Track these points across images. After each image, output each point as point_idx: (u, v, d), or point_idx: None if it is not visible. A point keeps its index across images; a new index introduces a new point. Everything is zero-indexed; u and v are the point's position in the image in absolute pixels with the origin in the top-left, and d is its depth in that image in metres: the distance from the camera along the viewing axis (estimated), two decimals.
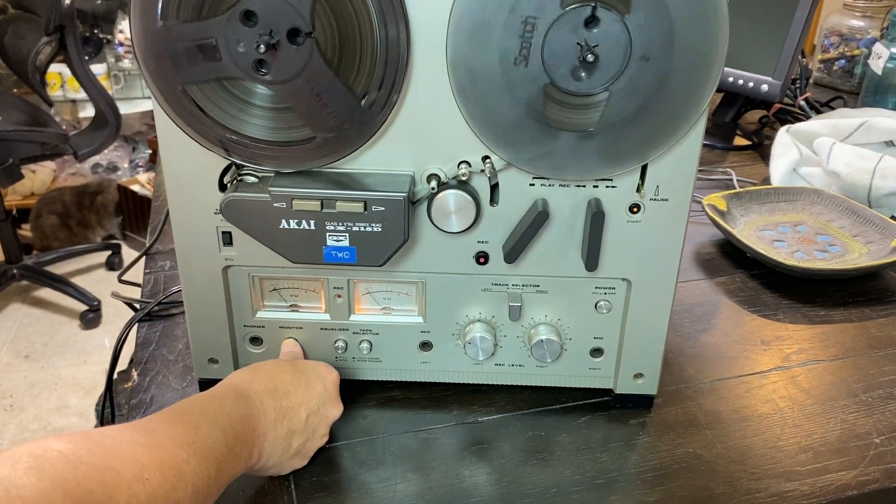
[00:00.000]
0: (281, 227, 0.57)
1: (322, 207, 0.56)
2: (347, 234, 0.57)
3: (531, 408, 0.69)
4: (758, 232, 0.99)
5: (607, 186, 0.59)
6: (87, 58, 2.44)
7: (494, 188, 0.60)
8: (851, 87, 1.61)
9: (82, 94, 2.45)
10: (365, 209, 0.56)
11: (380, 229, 0.57)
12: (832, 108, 1.41)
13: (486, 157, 0.58)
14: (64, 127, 2.40)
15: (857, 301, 0.88)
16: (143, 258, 0.92)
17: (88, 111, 2.69)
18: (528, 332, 0.66)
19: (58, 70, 3.02)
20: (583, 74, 0.52)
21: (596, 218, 0.58)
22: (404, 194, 0.56)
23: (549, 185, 0.59)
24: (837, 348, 0.79)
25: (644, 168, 0.58)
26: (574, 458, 0.64)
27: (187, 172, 0.59)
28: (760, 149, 1.32)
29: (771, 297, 0.89)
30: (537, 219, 0.59)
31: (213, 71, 0.53)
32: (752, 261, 0.95)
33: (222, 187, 0.59)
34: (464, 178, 0.58)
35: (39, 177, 2.90)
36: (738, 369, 0.76)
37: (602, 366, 0.68)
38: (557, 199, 0.60)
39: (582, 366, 0.68)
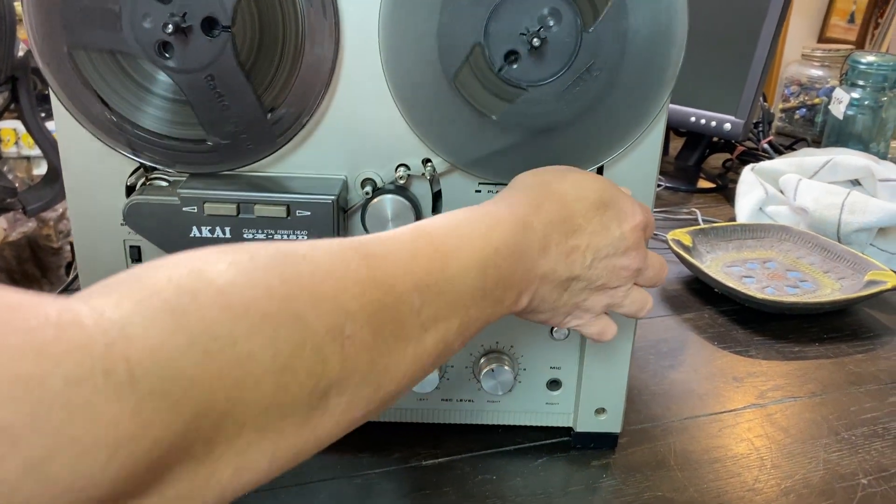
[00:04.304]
0: (192, 235, 0.50)
1: (238, 212, 0.49)
2: None
3: (482, 449, 0.62)
4: (725, 268, 0.94)
5: None
6: (43, 115, 2.39)
7: (437, 195, 0.54)
8: (813, 135, 1.60)
9: (37, 151, 2.38)
10: (288, 214, 0.50)
11: (306, 237, 0.51)
12: (795, 150, 1.39)
13: (426, 160, 0.52)
14: (17, 184, 2.32)
15: (832, 337, 0.83)
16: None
17: (43, 168, 2.61)
18: (478, 361, 0.59)
19: (12, 126, 2.96)
20: (527, 63, 0.47)
21: None
22: (333, 197, 0.50)
23: (497, 191, 0.53)
24: (814, 385, 0.73)
25: (600, 172, 0.53)
26: None
27: (89, 177, 0.52)
28: (725, 191, 1.29)
29: (742, 333, 0.83)
30: None
31: (107, 41, 0.46)
32: (720, 297, 0.89)
33: (130, 193, 0.53)
34: (402, 183, 0.52)
35: None
36: (710, 407, 0.69)
37: (560, 400, 0.61)
38: None
39: (538, 400, 0.61)
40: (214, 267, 0.30)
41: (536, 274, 0.43)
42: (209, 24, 0.46)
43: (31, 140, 2.53)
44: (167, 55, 0.46)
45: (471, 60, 0.48)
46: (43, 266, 2.80)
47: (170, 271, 0.29)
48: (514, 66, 0.48)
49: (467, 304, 0.38)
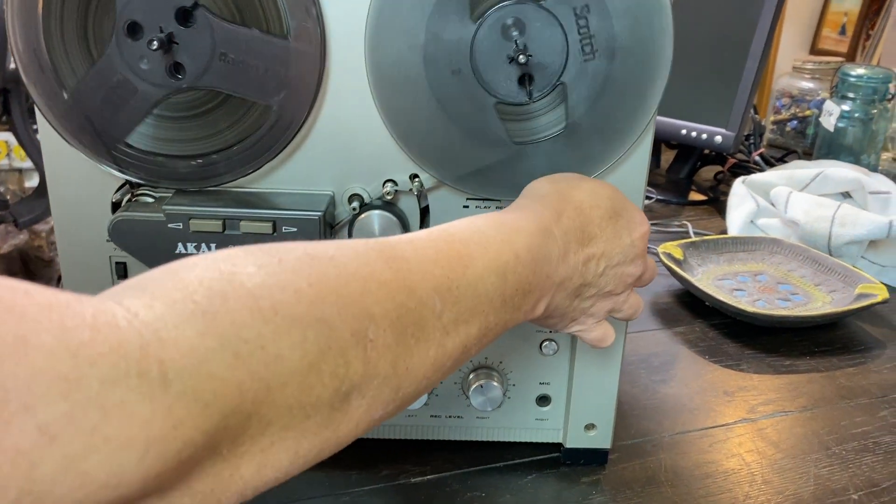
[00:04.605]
0: (177, 251, 0.50)
1: (224, 228, 0.49)
2: None
3: (471, 466, 0.61)
4: (716, 281, 0.94)
5: None
6: (35, 127, 2.37)
7: (425, 211, 0.53)
8: (805, 147, 1.60)
9: (29, 164, 2.37)
10: (274, 231, 0.49)
11: None
12: (786, 163, 1.40)
13: (414, 176, 0.52)
14: (8, 197, 2.31)
15: (823, 351, 0.82)
16: None
17: (35, 180, 2.60)
18: (467, 377, 0.59)
19: (4, 138, 2.94)
20: (520, 81, 0.47)
21: None
22: (319, 213, 0.49)
23: (485, 207, 0.53)
24: (805, 399, 0.73)
25: None
26: None
27: (75, 193, 0.52)
28: (717, 203, 1.29)
29: (733, 346, 0.83)
30: None
31: (140, 107, 0.48)
32: (711, 310, 0.89)
33: (115, 210, 0.52)
34: (389, 199, 0.52)
35: None
36: (701, 422, 0.69)
37: (550, 416, 0.61)
38: None
39: (528, 416, 0.61)
40: (244, 269, 0.30)
41: (554, 281, 0.44)
42: (183, 17, 0.46)
43: (22, 152, 2.52)
44: (180, 75, 0.47)
45: (502, 114, 0.48)
46: (34, 279, 2.78)
47: (201, 273, 0.29)
48: (533, 84, 0.48)
49: (486, 309, 0.38)
